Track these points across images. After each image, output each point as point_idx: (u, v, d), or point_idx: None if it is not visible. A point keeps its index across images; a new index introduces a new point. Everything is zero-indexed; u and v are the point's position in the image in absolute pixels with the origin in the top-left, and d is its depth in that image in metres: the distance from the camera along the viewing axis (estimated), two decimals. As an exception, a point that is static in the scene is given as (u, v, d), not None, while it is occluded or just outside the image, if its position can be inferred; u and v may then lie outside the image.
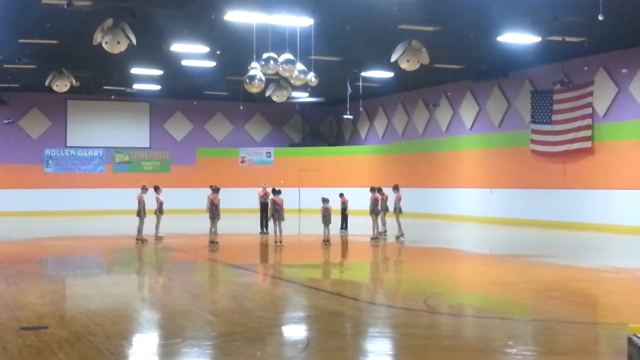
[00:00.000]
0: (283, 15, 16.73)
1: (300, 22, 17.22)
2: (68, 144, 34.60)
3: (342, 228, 22.46)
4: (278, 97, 21.82)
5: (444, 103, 30.12)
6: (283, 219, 18.30)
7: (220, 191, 18.83)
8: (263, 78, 16.91)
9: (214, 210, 18.33)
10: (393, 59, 18.13)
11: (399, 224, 20.02)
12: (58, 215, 32.22)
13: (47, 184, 33.82)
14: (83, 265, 15.86)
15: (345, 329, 8.63)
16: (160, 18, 18.08)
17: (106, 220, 29.29)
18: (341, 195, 22.50)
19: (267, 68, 16.39)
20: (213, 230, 18.33)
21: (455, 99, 29.71)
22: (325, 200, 19.16)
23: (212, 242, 18.14)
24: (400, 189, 20.98)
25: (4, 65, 24.78)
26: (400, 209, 20.34)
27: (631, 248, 18.72)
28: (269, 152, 36.95)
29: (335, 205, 20.80)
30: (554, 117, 24.68)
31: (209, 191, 18.97)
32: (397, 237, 19.85)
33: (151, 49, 21.56)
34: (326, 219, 18.73)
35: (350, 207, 22.52)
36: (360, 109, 31.16)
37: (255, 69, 16.70)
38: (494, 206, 27.60)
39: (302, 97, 32.27)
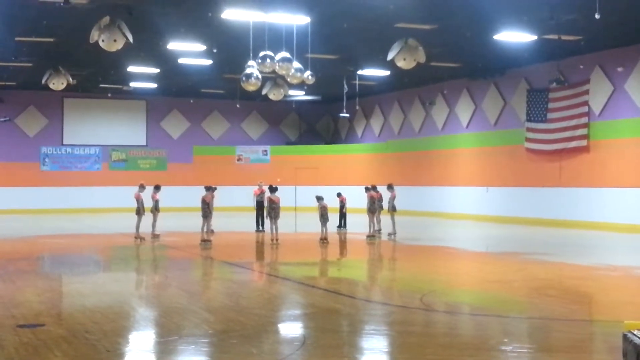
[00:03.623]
0: (280, 13, 16.74)
1: (297, 20, 17.24)
2: (65, 142, 34.59)
3: (339, 226, 22.55)
4: (275, 95, 21.81)
5: (440, 101, 30.14)
6: (279, 217, 18.31)
7: (211, 189, 18.79)
8: (260, 76, 16.89)
9: (205, 209, 18.32)
10: (389, 57, 18.14)
11: (393, 222, 20.07)
12: (54, 213, 32.18)
13: (44, 182, 33.79)
14: (80, 263, 15.86)
15: (342, 327, 8.65)
16: (157, 16, 18.08)
17: (103, 218, 29.27)
18: (339, 194, 22.52)
19: (264, 66, 16.38)
20: (205, 229, 18.31)
21: (451, 97, 29.74)
22: (319, 198, 19.05)
23: (204, 241, 18.07)
24: (397, 187, 21.03)
25: (1, 63, 24.75)
26: (394, 207, 20.38)
27: (626, 246, 18.79)
28: (266, 150, 36.95)
29: (333, 204, 20.79)
30: (549, 116, 24.72)
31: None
32: (389, 235, 19.91)
33: (148, 47, 21.55)
34: (324, 217, 18.68)
35: (347, 205, 22.57)
36: (357, 107, 31.17)
37: (252, 67, 16.69)
38: (490, 204, 27.64)
39: (299, 95, 32.26)
